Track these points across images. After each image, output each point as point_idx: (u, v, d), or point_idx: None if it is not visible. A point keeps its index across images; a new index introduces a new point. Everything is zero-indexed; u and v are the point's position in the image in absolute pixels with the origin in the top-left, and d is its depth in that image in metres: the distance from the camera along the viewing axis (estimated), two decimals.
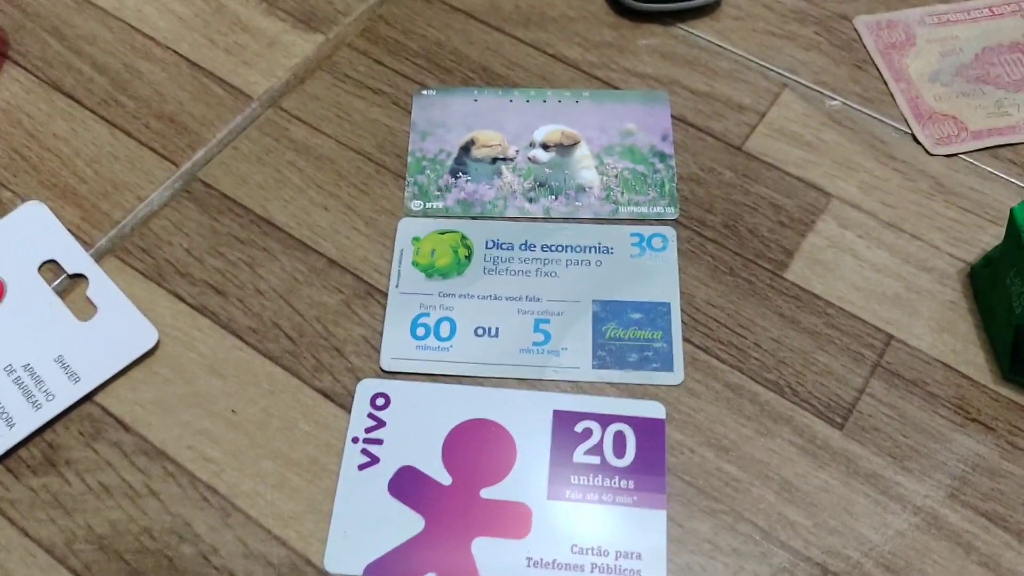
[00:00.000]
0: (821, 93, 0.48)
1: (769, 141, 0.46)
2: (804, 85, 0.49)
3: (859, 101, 0.48)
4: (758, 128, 0.47)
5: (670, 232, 0.43)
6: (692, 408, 0.39)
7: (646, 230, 0.43)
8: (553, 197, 0.44)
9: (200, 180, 0.45)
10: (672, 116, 0.47)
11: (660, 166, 0.45)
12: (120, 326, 0.40)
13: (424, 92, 0.48)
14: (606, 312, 0.41)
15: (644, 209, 0.44)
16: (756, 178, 0.45)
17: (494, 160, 0.45)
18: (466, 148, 0.46)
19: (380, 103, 0.47)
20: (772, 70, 0.49)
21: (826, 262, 0.43)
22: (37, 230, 0.43)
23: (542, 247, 0.43)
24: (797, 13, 0.51)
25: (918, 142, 0.46)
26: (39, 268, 0.42)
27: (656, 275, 0.42)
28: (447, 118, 0.47)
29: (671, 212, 0.44)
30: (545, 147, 0.46)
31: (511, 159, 0.45)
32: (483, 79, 0.48)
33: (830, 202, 0.44)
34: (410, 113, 0.47)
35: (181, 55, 0.49)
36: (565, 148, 0.46)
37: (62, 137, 0.46)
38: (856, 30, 0.51)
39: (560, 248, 0.42)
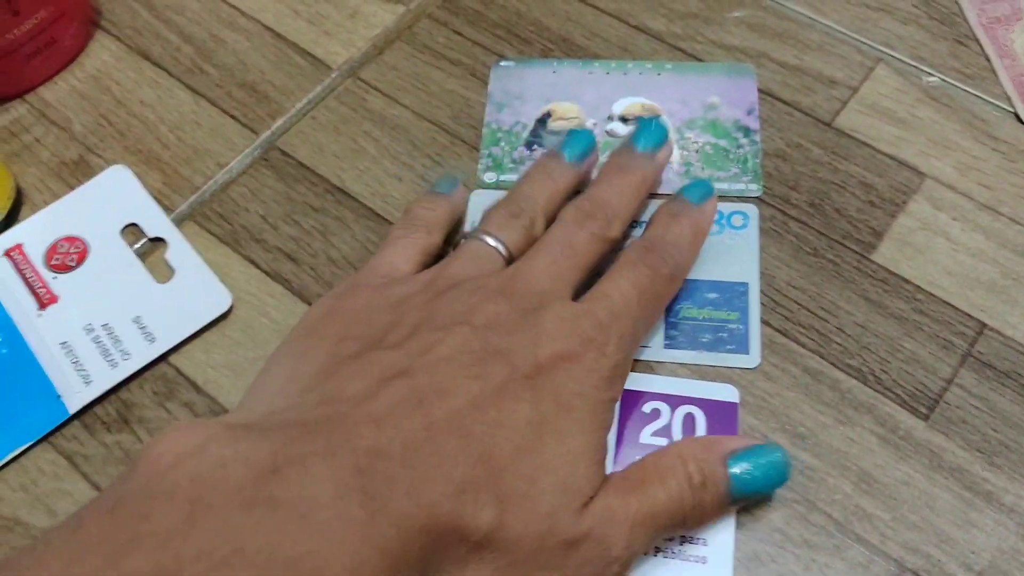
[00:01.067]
0: (918, 69, 0.46)
1: (861, 117, 0.44)
2: (900, 60, 0.46)
3: (958, 78, 0.45)
4: (849, 104, 0.45)
5: (751, 210, 0.42)
6: (767, 392, 0.37)
7: (726, 207, 0.42)
8: None
9: (278, 148, 0.45)
10: (759, 90, 0.45)
11: (744, 141, 0.44)
12: (196, 289, 0.41)
13: (502, 63, 0.47)
14: (680, 291, 0.39)
15: (725, 186, 0.42)
16: (846, 155, 0.43)
17: None
18: (542, 120, 0.45)
19: (458, 74, 0.47)
20: (866, 44, 0.47)
21: (917, 245, 0.40)
22: (121, 194, 0.44)
23: None
24: None
25: (1022, 122, 0.44)
26: (122, 231, 0.43)
27: (735, 254, 0.40)
28: (524, 90, 0.46)
29: (754, 189, 0.42)
30: (624, 120, 0.45)
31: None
32: (562, 50, 0.47)
33: (923, 182, 0.42)
34: (487, 84, 0.46)
35: (265, 25, 0.49)
36: None
37: (148, 104, 0.47)
38: (958, 3, 0.48)
39: (634, 224, 0.41)
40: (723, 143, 0.44)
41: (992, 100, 0.45)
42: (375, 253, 0.38)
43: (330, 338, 0.33)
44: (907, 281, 0.39)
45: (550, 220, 0.38)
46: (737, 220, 0.41)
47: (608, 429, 0.33)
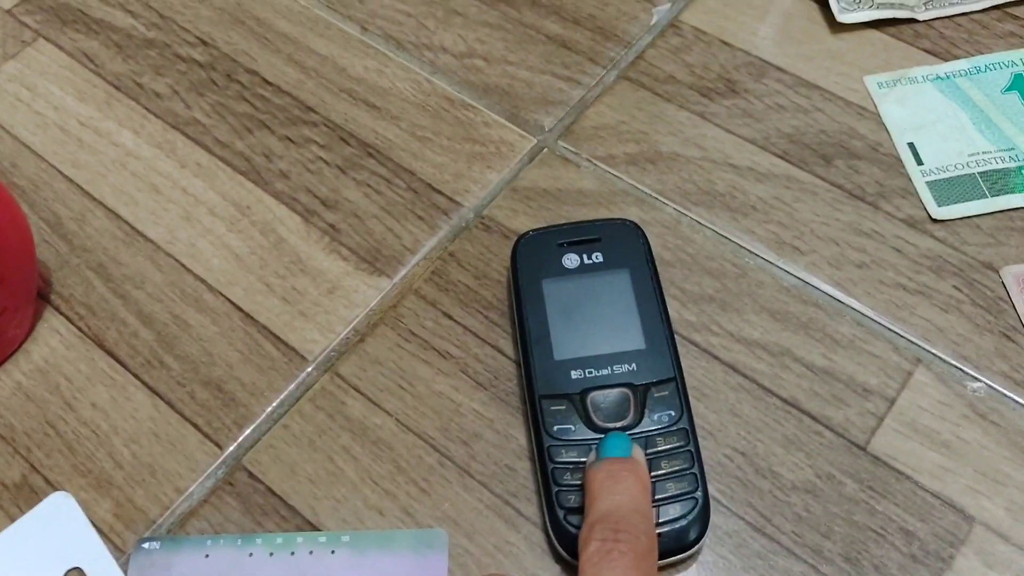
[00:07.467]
0: (961, 372, 0.41)
1: (899, 440, 0.39)
2: (941, 359, 0.41)
3: (1007, 385, 0.41)
4: (886, 420, 0.40)
5: None
6: None
7: None
8: None
9: (245, 469, 0.40)
10: (784, 400, 0.40)
11: None
12: None
13: (144, 546, 0.38)
14: None
15: None
16: (884, 491, 0.38)
17: None
18: None
19: (447, 370, 0.42)
20: (903, 338, 0.42)
21: None
22: (64, 529, 0.39)
23: None
24: (932, 260, 0.44)
25: None
26: None
27: None
28: None
29: None
30: None
31: None
32: None
33: (972, 528, 0.37)
34: (480, 386, 0.42)
35: (233, 303, 0.44)
36: None
37: (101, 408, 0.42)
38: (1004, 284, 0.43)
39: None
40: None
41: None
42: None
43: None
44: None
45: None
46: None
47: None
